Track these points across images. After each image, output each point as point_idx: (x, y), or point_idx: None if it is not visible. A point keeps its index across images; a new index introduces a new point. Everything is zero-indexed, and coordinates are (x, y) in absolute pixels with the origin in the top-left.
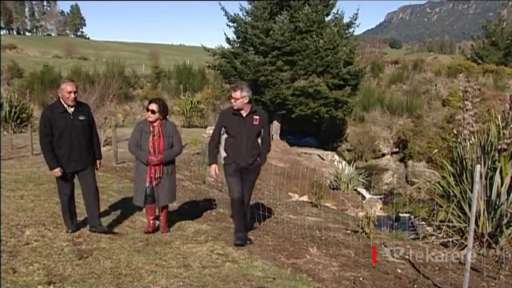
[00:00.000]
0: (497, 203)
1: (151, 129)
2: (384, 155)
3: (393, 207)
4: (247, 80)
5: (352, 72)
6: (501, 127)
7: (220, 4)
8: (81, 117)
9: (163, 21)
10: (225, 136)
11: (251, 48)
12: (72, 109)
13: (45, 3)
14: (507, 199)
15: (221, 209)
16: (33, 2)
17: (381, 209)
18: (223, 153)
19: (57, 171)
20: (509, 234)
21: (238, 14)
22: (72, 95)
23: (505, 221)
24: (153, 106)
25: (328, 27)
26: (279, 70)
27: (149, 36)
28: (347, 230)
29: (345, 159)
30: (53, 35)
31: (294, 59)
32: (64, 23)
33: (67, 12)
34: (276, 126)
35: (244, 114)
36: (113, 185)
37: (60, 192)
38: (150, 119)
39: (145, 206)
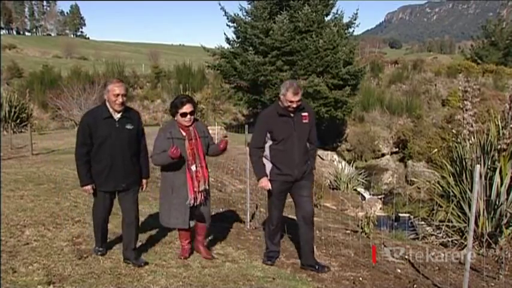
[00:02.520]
0: (497, 202)
1: (184, 134)
2: (383, 155)
3: (393, 207)
4: (246, 80)
5: (351, 72)
6: (501, 127)
7: (220, 4)
8: (128, 126)
9: (163, 21)
10: (269, 143)
11: (251, 48)
12: (119, 115)
13: (44, 3)
14: (507, 199)
15: (221, 209)
16: (33, 2)
17: (380, 209)
18: (268, 165)
19: (89, 189)
20: (509, 234)
21: (238, 14)
22: (120, 99)
23: (504, 221)
24: (190, 107)
25: (328, 27)
26: (279, 70)
27: (149, 36)
28: (347, 230)
29: (344, 159)
30: (52, 34)
31: (294, 59)
32: (64, 22)
33: (67, 12)
34: None
35: (292, 114)
36: None
37: (95, 210)
38: (187, 124)
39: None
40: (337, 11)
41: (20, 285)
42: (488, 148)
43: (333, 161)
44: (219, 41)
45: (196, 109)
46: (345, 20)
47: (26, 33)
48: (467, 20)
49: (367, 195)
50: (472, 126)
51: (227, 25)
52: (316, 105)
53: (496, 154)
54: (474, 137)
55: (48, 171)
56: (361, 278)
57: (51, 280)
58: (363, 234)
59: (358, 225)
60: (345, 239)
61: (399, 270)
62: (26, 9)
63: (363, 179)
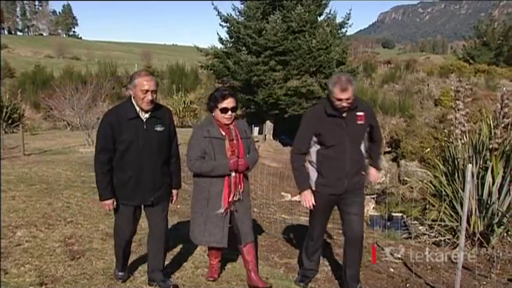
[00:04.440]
0: (489, 202)
1: (224, 133)
2: None
3: (386, 206)
4: (240, 80)
5: (345, 72)
6: (492, 127)
7: (213, 4)
8: (158, 128)
9: (155, 21)
10: (316, 148)
11: (244, 48)
12: (147, 115)
13: (36, 2)
14: (498, 198)
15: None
16: (25, 2)
17: (373, 208)
18: (313, 174)
19: (109, 204)
20: (501, 233)
21: (231, 14)
22: (149, 96)
23: (496, 220)
24: (232, 101)
25: (321, 27)
26: (272, 70)
27: (142, 36)
28: (340, 229)
29: None
30: (44, 34)
31: (287, 59)
32: (56, 22)
33: (59, 12)
34: (269, 126)
35: (344, 114)
36: None
37: (118, 229)
38: (227, 122)
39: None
40: (330, 11)
41: (12, 287)
42: (480, 147)
43: None
44: (212, 40)
45: (238, 105)
46: (338, 20)
47: (18, 33)
48: (460, 20)
49: None
50: (464, 125)
51: (220, 25)
52: (309, 105)
53: (488, 153)
54: (466, 137)
55: (40, 172)
56: None
57: (43, 281)
58: None
59: None
60: (338, 239)
61: (392, 270)
62: (18, 9)
63: None
